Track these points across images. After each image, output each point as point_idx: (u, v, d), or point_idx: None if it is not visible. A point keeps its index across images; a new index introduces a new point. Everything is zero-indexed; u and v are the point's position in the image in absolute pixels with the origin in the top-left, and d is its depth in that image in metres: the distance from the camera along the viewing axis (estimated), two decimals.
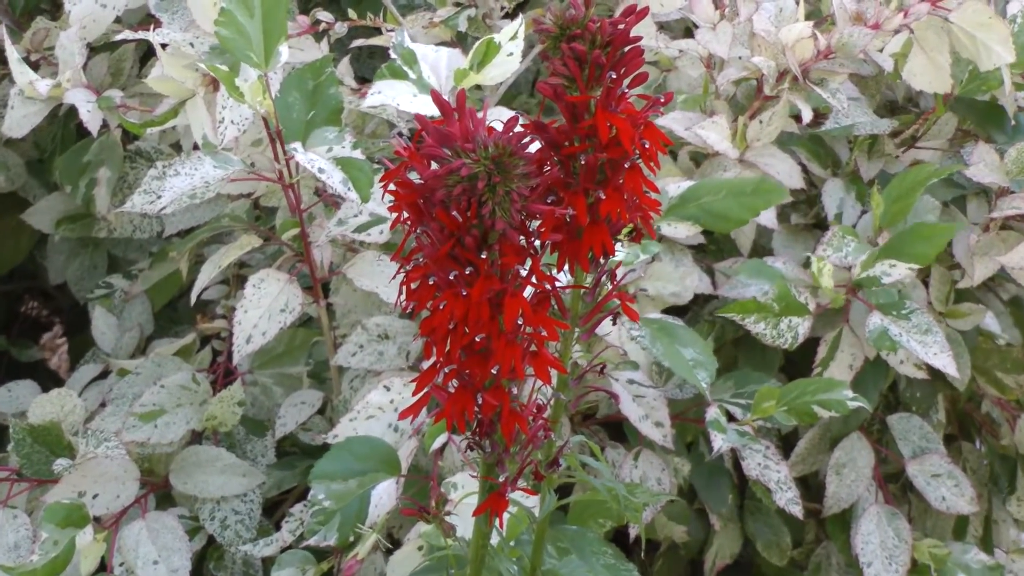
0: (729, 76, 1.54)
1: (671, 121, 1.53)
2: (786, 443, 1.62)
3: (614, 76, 0.76)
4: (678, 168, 1.58)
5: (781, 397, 1.38)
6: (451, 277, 0.75)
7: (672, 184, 1.47)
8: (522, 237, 0.76)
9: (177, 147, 1.73)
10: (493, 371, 0.78)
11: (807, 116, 1.50)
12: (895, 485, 1.64)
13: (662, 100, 0.78)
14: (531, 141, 0.74)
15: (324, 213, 1.55)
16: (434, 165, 0.74)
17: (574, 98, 0.77)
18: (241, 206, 1.63)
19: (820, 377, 1.47)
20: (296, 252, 1.52)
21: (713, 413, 1.40)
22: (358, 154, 1.35)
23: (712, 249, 1.64)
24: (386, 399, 1.36)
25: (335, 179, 1.32)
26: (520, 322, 0.77)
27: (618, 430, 1.55)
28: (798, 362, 1.60)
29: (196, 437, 1.56)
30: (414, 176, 0.76)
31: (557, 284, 0.81)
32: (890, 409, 1.64)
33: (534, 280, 0.77)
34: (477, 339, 0.77)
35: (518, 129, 0.74)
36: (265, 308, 1.42)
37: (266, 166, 1.46)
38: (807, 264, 1.50)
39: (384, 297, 1.43)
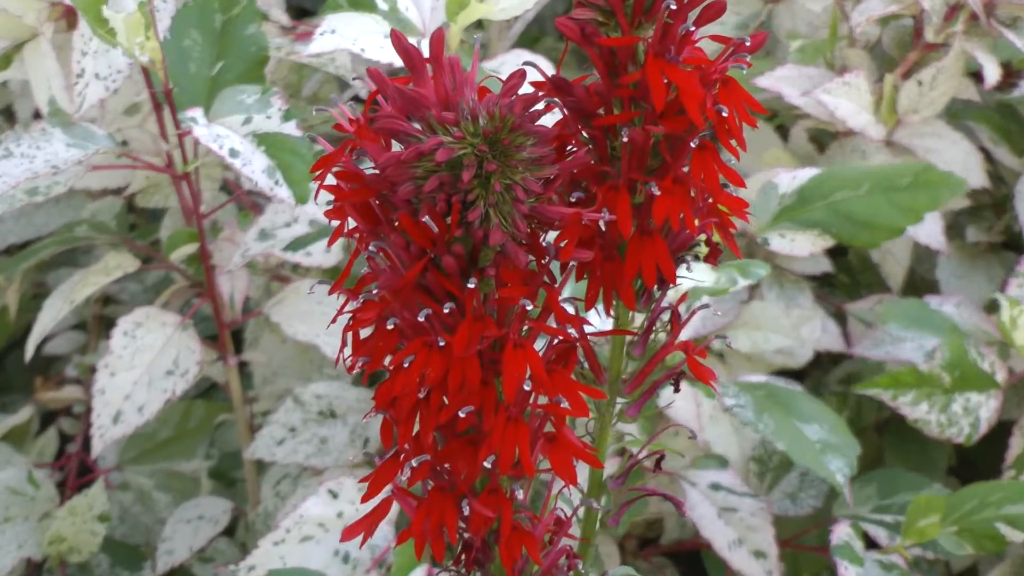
0: (871, 11, 1.55)
1: (778, 81, 1.54)
2: None
3: (673, 7, 0.76)
4: (789, 153, 1.59)
5: (949, 511, 1.39)
6: (421, 318, 0.76)
7: (785, 175, 1.48)
8: (531, 257, 0.77)
9: (8, 115, 1.75)
10: (487, 464, 0.79)
11: (992, 75, 1.51)
12: None
13: (747, 43, 0.78)
14: (547, 108, 0.74)
15: (238, 220, 1.56)
16: (397, 146, 0.75)
17: (612, 41, 0.78)
18: (107, 208, 1.65)
19: (1012, 481, 1.47)
20: (193, 281, 1.54)
21: (844, 534, 1.40)
22: (292, 128, 1.36)
23: (843, 282, 1.64)
24: (331, 511, 1.36)
25: (256, 166, 1.33)
26: (528, 388, 0.77)
27: (695, 563, 1.56)
28: (975, 460, 1.60)
29: (34, 569, 1.57)
30: (366, 163, 0.76)
31: (587, 329, 0.82)
32: None
33: (551, 323, 0.78)
34: (461, 415, 0.77)
35: (526, 89, 0.74)
36: (143, 368, 1.43)
37: (148, 145, 1.47)
38: (992, 308, 1.51)
39: (328, 351, 1.44)
